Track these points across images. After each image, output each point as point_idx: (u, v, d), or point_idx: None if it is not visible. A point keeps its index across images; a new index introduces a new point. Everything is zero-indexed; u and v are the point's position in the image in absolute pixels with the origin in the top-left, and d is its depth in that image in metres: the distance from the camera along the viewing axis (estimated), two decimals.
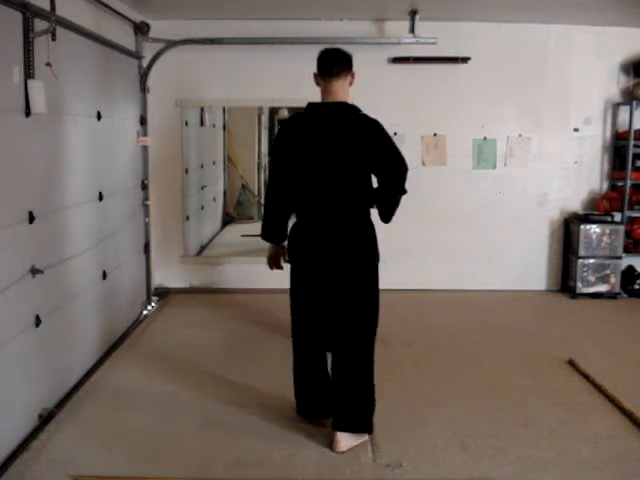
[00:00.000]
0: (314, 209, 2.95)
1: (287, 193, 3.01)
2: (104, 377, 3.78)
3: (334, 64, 2.97)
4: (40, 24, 3.08)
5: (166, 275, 5.72)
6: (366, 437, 3.00)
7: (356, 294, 2.94)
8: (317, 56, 3.01)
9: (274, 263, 3.26)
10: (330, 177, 2.90)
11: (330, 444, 2.93)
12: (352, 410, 2.95)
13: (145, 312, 5.08)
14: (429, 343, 4.45)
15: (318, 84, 3.01)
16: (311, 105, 2.99)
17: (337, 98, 2.98)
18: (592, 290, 5.64)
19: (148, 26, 5.08)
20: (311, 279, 3.01)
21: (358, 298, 2.95)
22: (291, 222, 3.14)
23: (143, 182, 5.14)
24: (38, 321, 3.09)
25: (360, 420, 2.96)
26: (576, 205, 5.86)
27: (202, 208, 7.02)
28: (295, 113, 3.10)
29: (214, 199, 7.97)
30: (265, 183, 9.43)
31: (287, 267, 3.22)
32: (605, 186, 5.86)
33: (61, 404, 3.33)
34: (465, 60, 5.48)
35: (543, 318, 5.15)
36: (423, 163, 5.68)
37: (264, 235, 3.19)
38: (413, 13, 5.15)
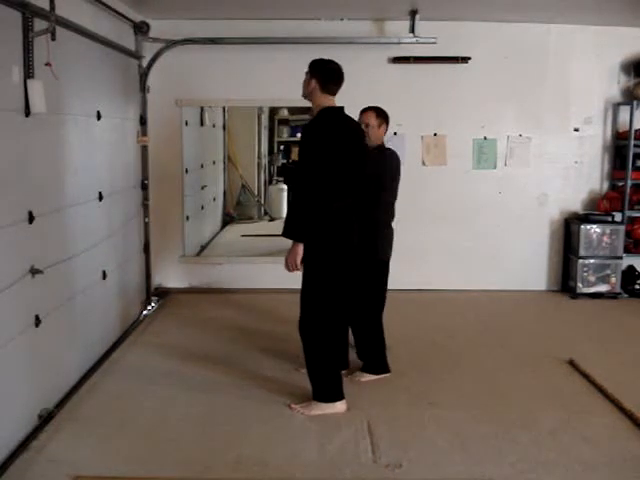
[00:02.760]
0: (351, 205, 3.26)
1: (335, 190, 3.16)
2: (104, 377, 3.78)
3: (341, 82, 3.31)
4: (40, 24, 3.07)
5: (166, 275, 5.71)
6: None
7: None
8: (326, 68, 3.25)
9: (297, 263, 3.20)
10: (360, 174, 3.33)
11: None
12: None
13: (145, 312, 5.07)
14: (429, 343, 4.45)
15: (313, 88, 3.24)
16: (336, 109, 3.28)
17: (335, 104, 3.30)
18: (592, 290, 5.64)
19: (148, 26, 5.08)
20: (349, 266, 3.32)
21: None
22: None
23: (143, 182, 5.14)
24: (38, 321, 3.09)
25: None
26: (576, 205, 5.85)
27: (202, 208, 7.01)
28: (326, 115, 3.23)
29: (214, 199, 7.97)
30: (265, 183, 9.44)
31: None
32: (605, 186, 5.86)
33: (61, 404, 3.32)
34: (465, 60, 5.48)
35: (543, 318, 5.14)
36: (423, 163, 5.68)
37: (299, 234, 3.16)
38: (413, 13, 5.15)
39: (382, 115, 3.72)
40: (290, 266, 3.21)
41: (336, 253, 3.25)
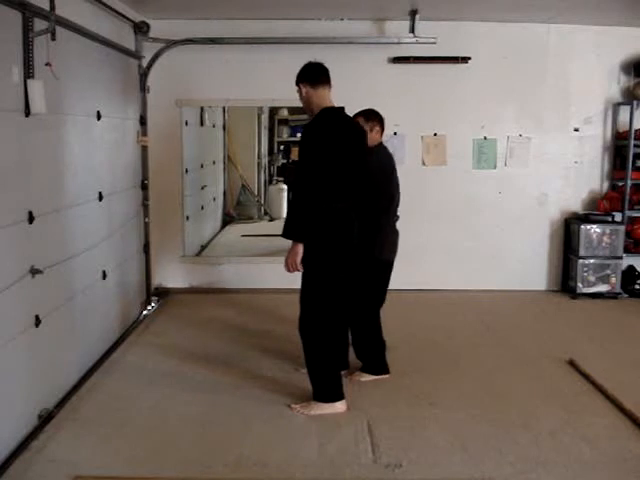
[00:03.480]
0: (351, 205, 3.26)
1: (335, 191, 3.16)
2: (104, 377, 3.78)
3: (327, 73, 3.32)
4: (40, 24, 3.07)
5: (166, 275, 5.71)
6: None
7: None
8: (306, 69, 3.29)
9: (297, 264, 3.19)
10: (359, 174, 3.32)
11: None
12: None
13: (145, 312, 5.07)
14: (429, 343, 4.45)
15: (306, 93, 3.27)
16: (336, 109, 3.28)
17: (333, 103, 3.29)
18: (592, 290, 5.64)
19: (148, 26, 5.08)
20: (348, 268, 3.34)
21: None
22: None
23: (143, 182, 5.14)
24: (38, 321, 3.09)
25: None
26: (576, 205, 5.85)
27: (202, 208, 7.02)
28: (326, 115, 3.22)
29: (214, 199, 7.97)
30: (265, 183, 9.44)
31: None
32: (605, 186, 5.86)
33: (61, 404, 3.33)
34: (465, 60, 5.48)
35: (543, 318, 5.14)
36: (423, 163, 5.68)
37: (299, 234, 3.16)
38: (413, 13, 5.15)
39: (372, 118, 3.65)
40: (290, 266, 3.21)
41: (336, 254, 3.24)
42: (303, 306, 3.32)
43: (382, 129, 3.74)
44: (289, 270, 3.23)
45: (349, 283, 3.38)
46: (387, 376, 3.79)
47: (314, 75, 3.27)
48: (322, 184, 3.11)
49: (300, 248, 3.17)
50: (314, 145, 3.15)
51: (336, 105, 3.30)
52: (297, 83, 3.32)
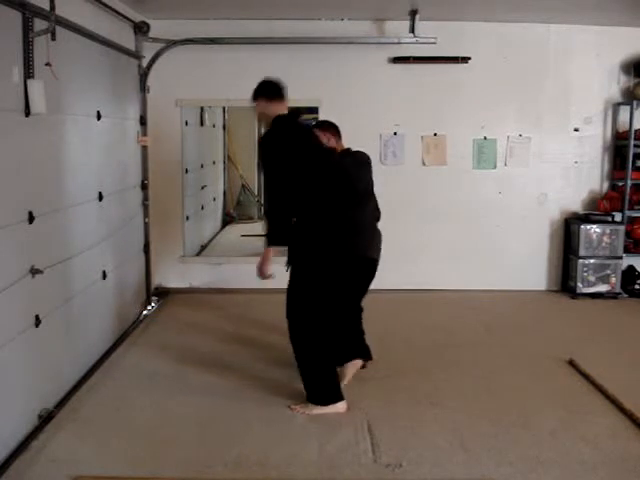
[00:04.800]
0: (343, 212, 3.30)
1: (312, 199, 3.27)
2: (104, 377, 3.78)
3: (283, 91, 3.46)
4: (40, 24, 3.07)
5: (166, 275, 5.71)
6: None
7: None
8: (263, 86, 3.46)
9: (268, 270, 3.36)
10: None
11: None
12: None
13: (145, 312, 5.07)
14: (429, 343, 4.45)
15: (262, 107, 3.44)
16: (286, 115, 3.40)
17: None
18: (592, 290, 5.64)
19: (148, 26, 5.08)
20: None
21: None
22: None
23: (143, 182, 5.14)
24: (38, 321, 3.09)
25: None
26: (576, 205, 5.85)
27: (202, 208, 7.02)
28: (276, 124, 3.35)
29: (214, 199, 7.97)
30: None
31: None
32: (605, 186, 5.86)
33: (61, 404, 3.33)
34: (465, 60, 5.48)
35: (543, 318, 5.14)
36: (423, 163, 5.68)
37: (278, 239, 3.29)
38: (413, 13, 5.15)
39: (325, 129, 3.71)
40: (264, 273, 3.41)
41: (319, 260, 3.26)
42: (291, 315, 3.40)
43: (338, 137, 3.75)
44: (264, 276, 3.43)
45: (335, 286, 3.36)
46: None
47: (268, 88, 3.43)
48: (288, 192, 3.21)
49: (270, 252, 3.37)
50: (274, 155, 3.24)
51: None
52: (253, 98, 3.48)
